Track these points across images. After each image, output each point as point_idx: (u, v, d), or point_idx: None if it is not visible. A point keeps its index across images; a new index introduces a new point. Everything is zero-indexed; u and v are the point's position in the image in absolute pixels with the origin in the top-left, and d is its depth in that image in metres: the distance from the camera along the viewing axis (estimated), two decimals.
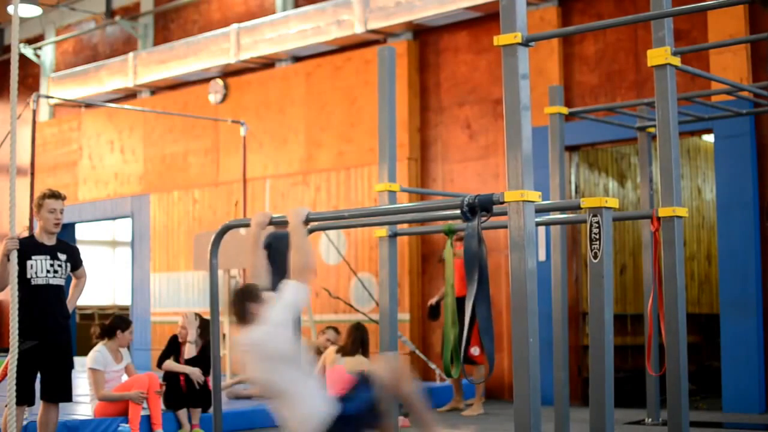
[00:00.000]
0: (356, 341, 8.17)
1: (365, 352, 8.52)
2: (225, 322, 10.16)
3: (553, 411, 6.46)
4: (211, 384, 6.38)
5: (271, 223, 5.02)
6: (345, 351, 8.37)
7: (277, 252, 9.94)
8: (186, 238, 12.79)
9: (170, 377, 7.19)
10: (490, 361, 4.27)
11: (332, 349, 8.28)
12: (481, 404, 8.96)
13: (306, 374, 4.31)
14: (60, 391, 5.88)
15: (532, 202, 4.10)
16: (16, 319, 5.08)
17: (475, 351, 8.69)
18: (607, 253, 4.22)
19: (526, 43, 4.17)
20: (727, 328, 8.64)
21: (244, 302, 4.35)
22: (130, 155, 14.05)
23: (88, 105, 14.53)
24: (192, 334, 7.24)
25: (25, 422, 6.12)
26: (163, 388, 6.90)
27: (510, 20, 4.17)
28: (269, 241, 9.84)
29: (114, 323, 6.90)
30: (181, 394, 7.16)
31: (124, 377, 7.00)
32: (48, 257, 5.84)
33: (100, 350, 6.82)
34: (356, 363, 8.42)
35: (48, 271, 5.83)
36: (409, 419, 4.71)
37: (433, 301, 9.43)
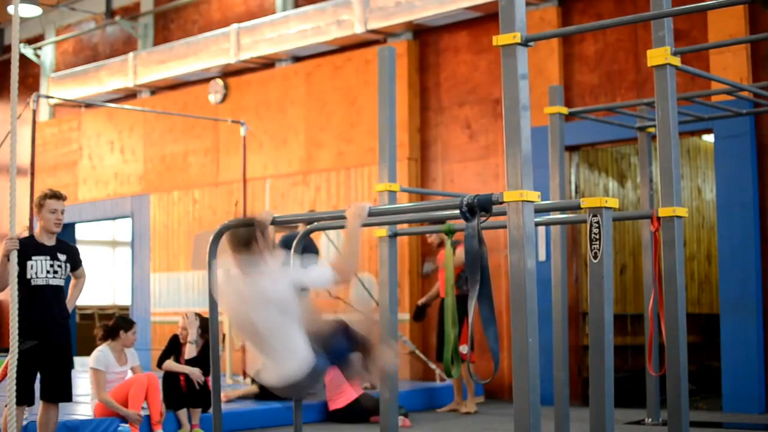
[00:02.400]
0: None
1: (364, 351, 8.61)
2: (224, 322, 10.17)
3: (553, 411, 6.46)
4: (211, 384, 6.38)
5: (273, 222, 5.02)
6: None
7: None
8: (186, 238, 12.79)
9: (170, 377, 7.19)
10: (495, 360, 4.27)
11: None
12: (474, 403, 8.95)
13: (295, 327, 4.36)
14: (60, 391, 5.88)
15: (532, 202, 4.10)
16: (16, 319, 5.08)
17: (463, 349, 8.71)
18: (607, 253, 4.21)
19: (525, 43, 4.17)
20: (727, 328, 8.64)
21: (255, 231, 4.40)
22: (130, 155, 14.05)
23: (88, 105, 14.52)
24: (192, 334, 7.24)
25: (25, 422, 6.12)
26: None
27: (509, 20, 4.17)
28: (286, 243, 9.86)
29: (117, 324, 6.89)
30: (181, 394, 7.16)
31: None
32: (48, 257, 5.84)
33: (102, 350, 6.82)
34: None
35: (48, 272, 5.83)
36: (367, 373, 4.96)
37: (421, 301, 9.40)
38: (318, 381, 4.51)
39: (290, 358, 4.37)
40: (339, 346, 4.51)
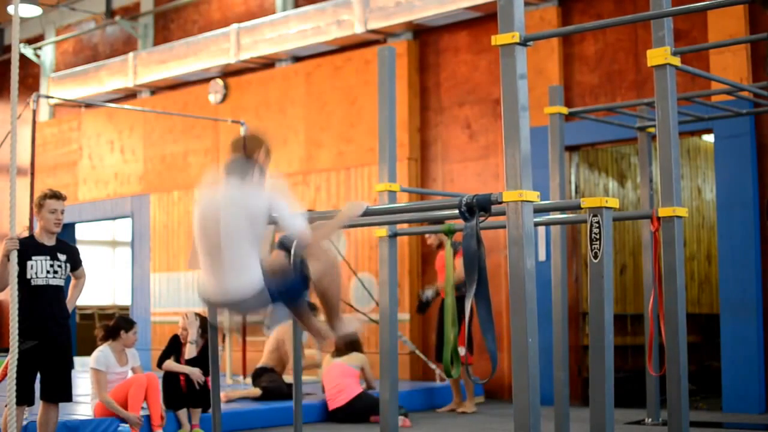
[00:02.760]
0: (347, 342, 8.44)
1: (358, 349, 8.67)
2: (224, 322, 10.17)
3: (553, 411, 6.46)
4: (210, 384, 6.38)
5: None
6: (339, 353, 8.52)
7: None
8: (186, 238, 12.79)
9: (170, 377, 7.19)
10: (493, 360, 4.27)
11: (328, 356, 8.53)
12: (473, 403, 8.95)
13: (254, 248, 4.50)
14: (60, 391, 5.88)
15: (531, 202, 4.10)
16: (16, 319, 5.08)
17: (461, 351, 8.70)
18: (607, 253, 4.22)
19: (524, 43, 4.17)
20: (727, 328, 8.64)
21: (264, 145, 4.66)
22: (130, 155, 14.05)
23: (88, 105, 14.53)
24: (193, 334, 7.24)
25: (25, 422, 6.12)
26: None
27: (508, 20, 4.17)
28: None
29: (117, 324, 6.89)
30: (181, 394, 7.16)
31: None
32: (48, 258, 5.84)
33: (102, 350, 6.81)
34: (352, 359, 8.52)
35: (48, 272, 5.83)
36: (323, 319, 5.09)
37: (427, 295, 9.23)
38: (261, 306, 4.56)
39: (242, 274, 4.47)
40: (292, 284, 4.57)
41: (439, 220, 5.89)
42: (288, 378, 8.63)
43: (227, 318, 4.84)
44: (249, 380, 9.37)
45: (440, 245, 9.24)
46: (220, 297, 4.59)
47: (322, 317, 5.12)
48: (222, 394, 8.29)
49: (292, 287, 4.58)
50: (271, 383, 8.54)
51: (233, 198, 4.51)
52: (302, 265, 4.59)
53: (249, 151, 4.62)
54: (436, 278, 9.81)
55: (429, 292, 9.17)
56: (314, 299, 5.15)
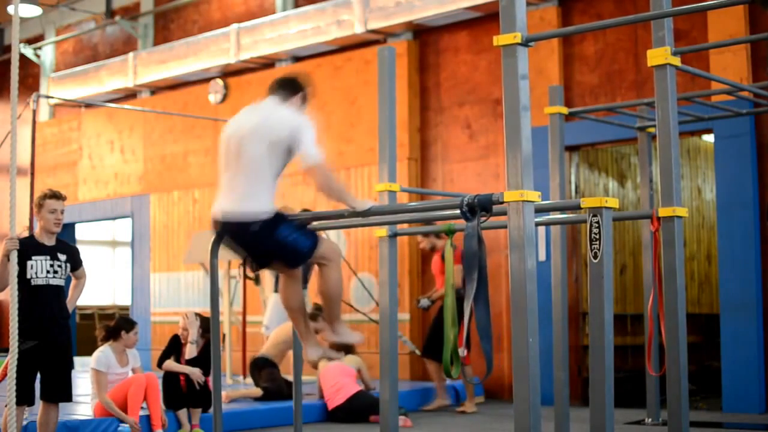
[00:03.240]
0: (341, 345, 8.45)
1: (352, 351, 8.70)
2: (225, 322, 10.17)
3: (553, 411, 6.46)
4: (211, 384, 6.38)
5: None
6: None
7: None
8: (186, 239, 12.79)
9: (170, 377, 7.19)
10: (488, 361, 4.27)
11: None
12: (473, 403, 8.95)
13: (270, 179, 4.79)
14: (60, 391, 5.88)
15: (532, 202, 4.10)
16: (16, 319, 5.08)
17: (461, 352, 8.71)
18: (607, 253, 4.22)
19: (525, 44, 4.17)
20: (727, 328, 8.64)
21: (306, 89, 5.01)
22: (130, 155, 14.05)
23: (88, 105, 14.52)
24: (193, 334, 7.23)
25: (25, 422, 6.12)
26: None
27: (510, 20, 4.17)
28: None
29: (118, 324, 6.89)
30: (181, 394, 7.16)
31: None
32: (48, 257, 5.84)
33: (103, 351, 6.82)
34: (348, 360, 8.55)
35: (48, 272, 5.83)
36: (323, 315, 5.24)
37: (422, 304, 9.19)
38: (261, 243, 4.76)
39: (252, 198, 4.71)
40: (298, 240, 4.79)
41: (435, 221, 5.90)
42: (288, 376, 8.65)
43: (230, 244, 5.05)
44: (249, 380, 9.37)
45: (433, 248, 9.24)
46: (229, 217, 4.79)
47: (319, 324, 5.16)
48: (223, 394, 8.30)
49: (297, 242, 4.76)
50: (271, 383, 8.54)
51: (265, 116, 4.78)
52: (314, 235, 4.83)
53: (301, 82, 4.94)
54: (434, 280, 9.82)
55: (424, 302, 9.16)
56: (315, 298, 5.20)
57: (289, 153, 4.81)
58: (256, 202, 4.72)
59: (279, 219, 4.76)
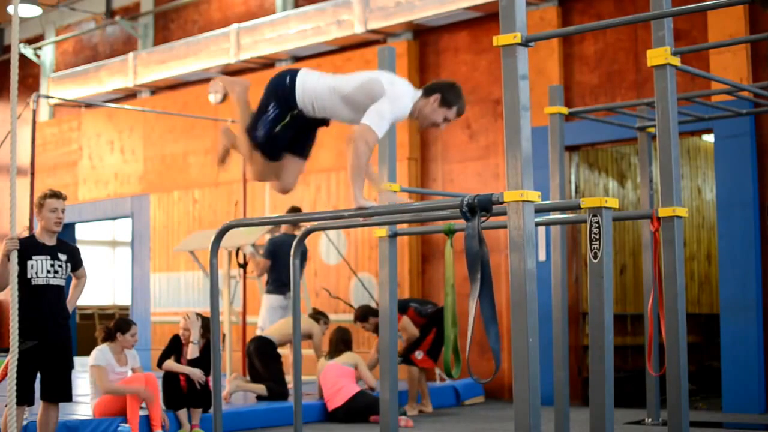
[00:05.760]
0: (339, 342, 8.53)
1: (349, 348, 8.73)
2: (225, 322, 10.17)
3: (553, 411, 6.46)
4: (211, 384, 6.38)
5: None
6: (332, 354, 8.57)
7: (277, 257, 10.09)
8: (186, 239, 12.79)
9: (170, 377, 7.18)
10: (496, 360, 4.27)
11: (322, 358, 8.57)
12: (417, 407, 8.88)
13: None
14: (60, 391, 5.88)
15: (532, 202, 4.10)
16: (16, 319, 5.08)
17: (418, 355, 8.76)
18: (607, 253, 4.22)
19: (525, 44, 4.17)
20: (727, 328, 8.64)
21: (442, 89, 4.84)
22: (130, 155, 14.05)
23: (88, 105, 14.53)
24: (194, 334, 7.23)
25: (25, 422, 6.12)
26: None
27: (509, 20, 4.17)
28: (272, 249, 9.96)
29: (114, 326, 6.89)
30: (181, 394, 7.16)
31: None
32: (48, 257, 5.84)
33: (101, 349, 6.82)
34: (346, 358, 8.54)
35: (48, 272, 5.83)
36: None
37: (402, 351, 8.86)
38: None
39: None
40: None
41: (435, 221, 5.90)
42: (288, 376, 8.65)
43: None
44: (249, 379, 9.36)
45: (375, 329, 8.58)
46: None
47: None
48: (225, 391, 8.31)
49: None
50: (273, 384, 8.55)
51: (358, 99, 4.96)
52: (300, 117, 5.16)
53: (437, 84, 4.79)
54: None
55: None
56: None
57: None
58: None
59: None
